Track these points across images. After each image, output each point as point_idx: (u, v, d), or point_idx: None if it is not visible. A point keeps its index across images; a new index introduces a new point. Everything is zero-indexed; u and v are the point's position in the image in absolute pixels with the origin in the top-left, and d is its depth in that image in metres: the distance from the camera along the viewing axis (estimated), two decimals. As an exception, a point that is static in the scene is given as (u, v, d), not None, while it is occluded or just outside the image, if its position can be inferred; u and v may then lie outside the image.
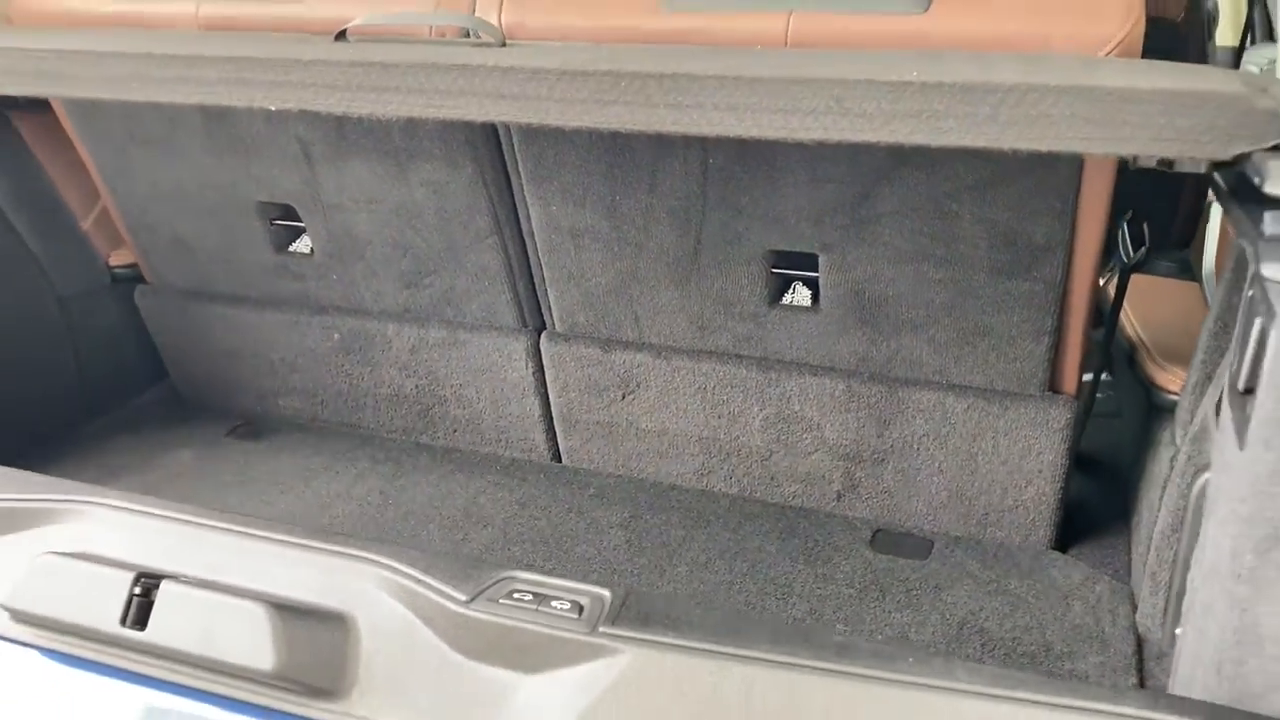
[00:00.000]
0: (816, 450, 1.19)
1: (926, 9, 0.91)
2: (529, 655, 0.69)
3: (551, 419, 1.31)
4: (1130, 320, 1.23)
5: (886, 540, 1.20)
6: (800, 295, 1.12)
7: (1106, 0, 0.87)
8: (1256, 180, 0.64)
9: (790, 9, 0.93)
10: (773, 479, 1.23)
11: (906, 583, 1.14)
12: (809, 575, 1.16)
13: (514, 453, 1.37)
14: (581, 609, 0.70)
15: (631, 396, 1.25)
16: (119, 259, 1.49)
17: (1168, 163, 0.73)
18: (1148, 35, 0.89)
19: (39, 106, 1.32)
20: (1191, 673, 0.69)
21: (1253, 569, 0.62)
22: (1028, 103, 0.69)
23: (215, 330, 1.43)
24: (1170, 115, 0.67)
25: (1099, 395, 1.27)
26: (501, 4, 1.04)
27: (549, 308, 1.23)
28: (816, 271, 1.08)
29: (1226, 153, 0.66)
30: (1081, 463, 1.29)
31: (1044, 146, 0.70)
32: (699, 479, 1.27)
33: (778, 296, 1.12)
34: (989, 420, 1.11)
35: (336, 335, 1.37)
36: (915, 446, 1.15)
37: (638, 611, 0.70)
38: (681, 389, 1.22)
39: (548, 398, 1.30)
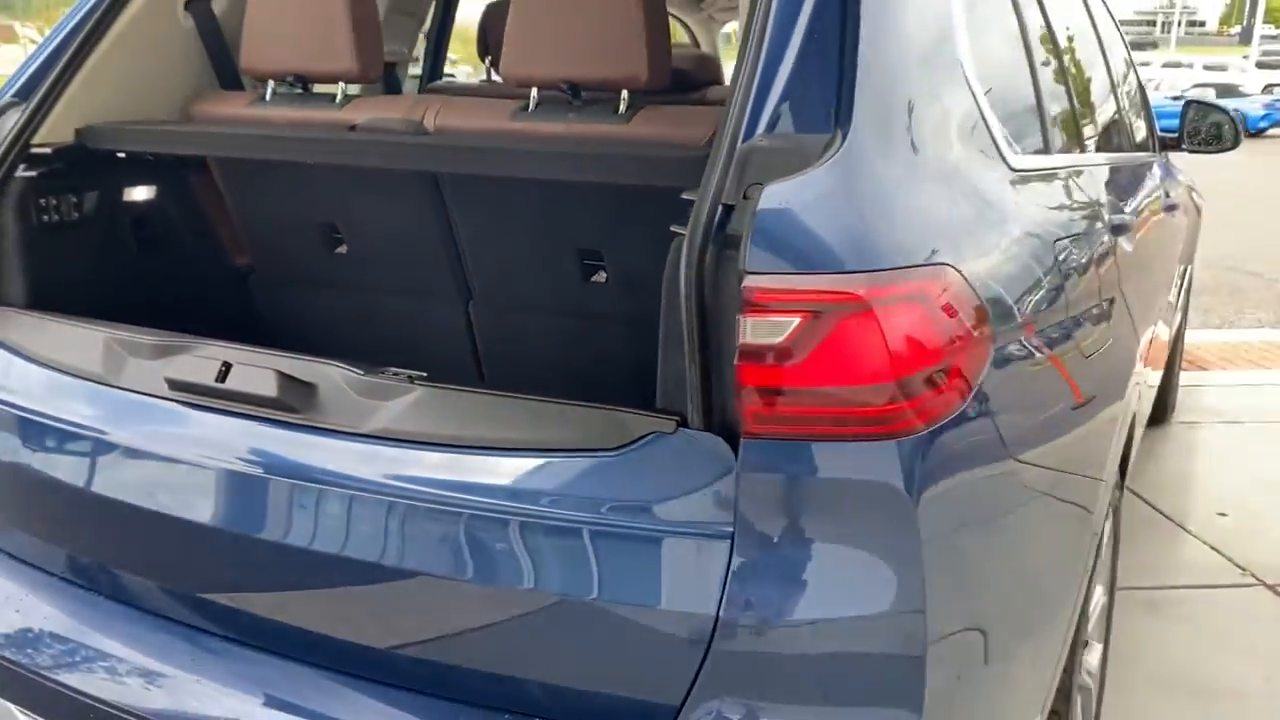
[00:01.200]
0: (616, 365, 2.01)
1: (629, 122, 1.78)
2: (386, 393, 1.53)
3: (478, 354, 2.18)
4: None
5: None
6: (599, 276, 1.97)
7: (707, 119, 1.72)
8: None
9: (569, 122, 1.82)
10: (594, 384, 2.05)
11: None
12: None
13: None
14: (411, 378, 1.55)
15: (521, 338, 2.12)
16: (240, 261, 2.45)
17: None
18: None
19: (201, 166, 2.29)
20: None
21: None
22: (618, 161, 1.55)
23: (293, 304, 2.36)
24: (680, 169, 1.50)
25: None
26: (435, 115, 1.96)
27: (473, 284, 2.11)
28: (604, 262, 1.93)
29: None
30: None
31: (624, 180, 1.55)
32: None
33: (588, 277, 1.98)
34: None
35: (359, 306, 2.28)
36: None
37: (434, 380, 1.55)
38: (547, 333, 2.08)
39: (475, 342, 2.17)
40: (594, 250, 1.92)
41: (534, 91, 1.86)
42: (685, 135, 1.69)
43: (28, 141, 1.93)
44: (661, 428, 1.35)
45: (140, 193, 2.20)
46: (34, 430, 1.73)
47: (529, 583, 1.37)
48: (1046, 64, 2.25)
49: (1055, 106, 2.24)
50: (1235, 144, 3.86)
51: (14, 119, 1.93)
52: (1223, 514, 3.96)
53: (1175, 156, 4.37)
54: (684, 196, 1.38)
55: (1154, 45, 61.34)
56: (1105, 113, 2.94)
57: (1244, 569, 3.53)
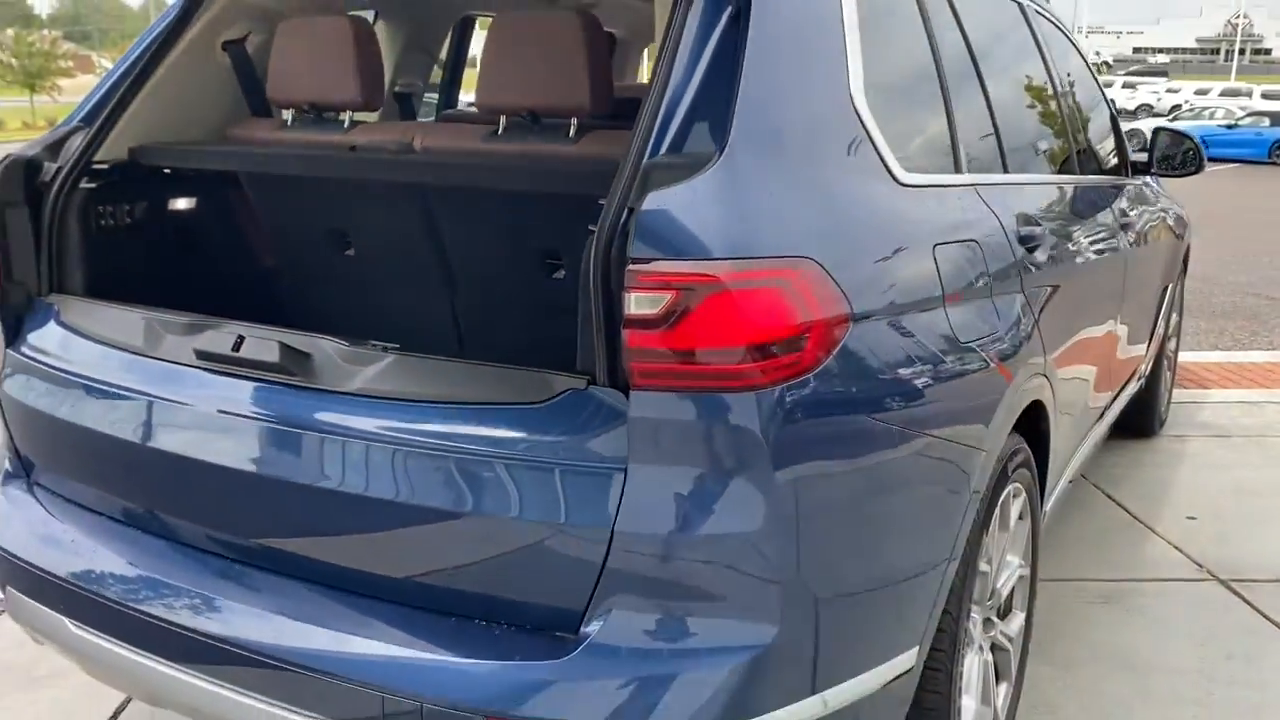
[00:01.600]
0: (572, 345, 2.35)
1: (577, 144, 2.13)
2: (365, 360, 1.87)
3: (461, 339, 2.55)
4: None
5: None
6: (559, 273, 2.32)
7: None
8: None
9: (528, 143, 2.17)
10: (554, 360, 2.39)
11: None
12: None
13: None
14: (385, 348, 1.91)
15: (497, 326, 2.48)
16: (266, 260, 2.84)
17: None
18: None
19: (234, 179, 2.68)
20: None
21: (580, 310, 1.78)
22: (562, 176, 1.90)
23: (310, 297, 2.75)
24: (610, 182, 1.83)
25: None
26: (422, 138, 2.33)
27: (458, 280, 2.47)
28: (562, 261, 2.28)
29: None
30: None
31: (567, 191, 1.90)
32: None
33: (551, 273, 2.33)
34: None
35: (365, 299, 2.66)
36: None
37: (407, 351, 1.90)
38: (518, 321, 2.43)
39: (460, 329, 2.54)
40: (554, 251, 2.27)
41: (502, 118, 2.23)
42: (622, 154, 2.04)
43: (90, 159, 2.34)
44: (575, 385, 1.69)
45: (183, 202, 2.60)
46: (89, 393, 2.12)
47: (467, 507, 1.72)
48: (969, 98, 2.57)
49: (973, 134, 2.55)
50: (1199, 168, 4.14)
51: (79, 140, 2.34)
52: (1192, 517, 4.18)
53: (1172, 183, 4.63)
54: (600, 202, 1.72)
55: (1163, 74, 60.73)
56: (1046, 140, 3.24)
57: (1201, 565, 3.77)
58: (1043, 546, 3.77)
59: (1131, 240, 3.74)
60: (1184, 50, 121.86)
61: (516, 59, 2.16)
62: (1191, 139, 4.18)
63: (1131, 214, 3.86)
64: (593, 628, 1.66)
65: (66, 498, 2.23)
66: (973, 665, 2.36)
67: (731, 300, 1.56)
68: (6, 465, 2.36)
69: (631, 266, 1.57)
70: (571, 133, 2.14)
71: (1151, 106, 42.90)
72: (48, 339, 2.24)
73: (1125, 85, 48.14)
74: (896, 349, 1.86)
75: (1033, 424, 2.58)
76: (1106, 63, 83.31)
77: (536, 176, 2.04)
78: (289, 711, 1.79)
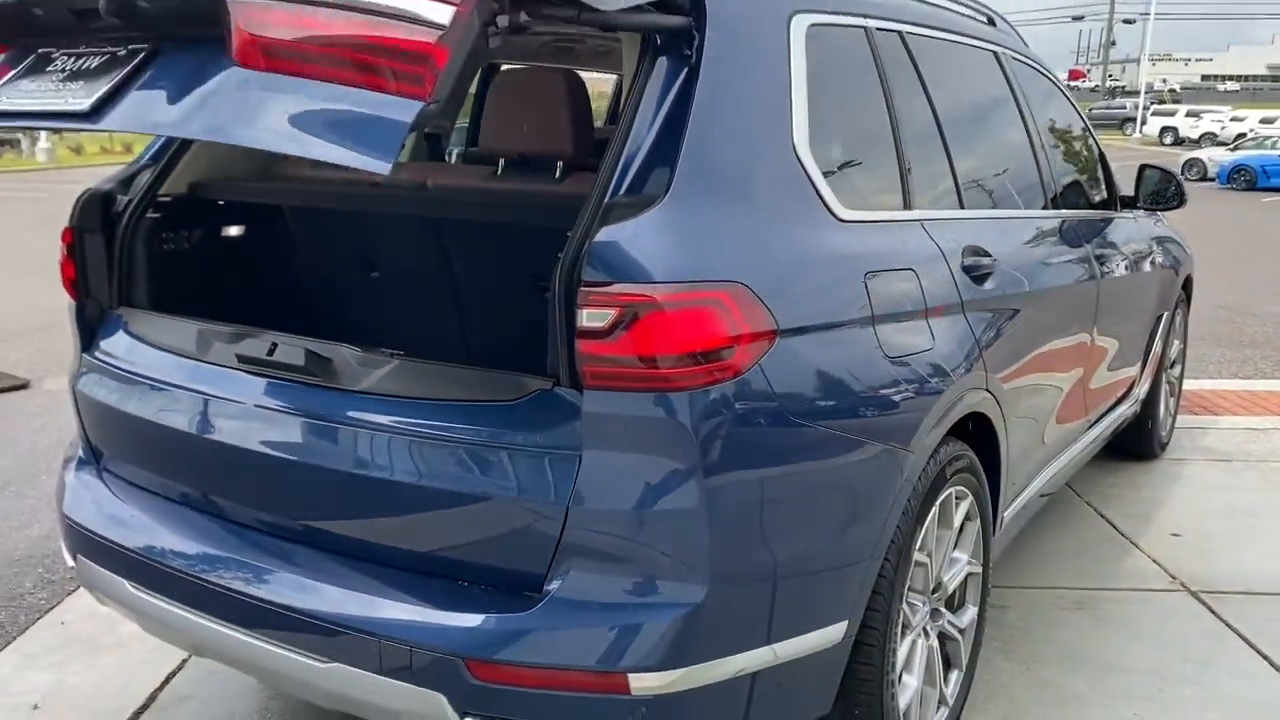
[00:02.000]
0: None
1: (562, 183, 2.48)
2: (375, 364, 2.22)
3: (466, 340, 2.91)
4: None
5: None
6: (548, 294, 2.67)
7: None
8: None
9: (521, 183, 2.53)
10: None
11: None
12: None
13: None
14: (391, 354, 2.25)
15: (501, 340, 2.83)
16: (305, 281, 3.23)
17: None
18: None
19: (278, 210, 3.08)
20: None
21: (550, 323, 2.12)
22: (548, 210, 2.27)
23: (341, 312, 3.13)
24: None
25: None
26: (434, 177, 2.70)
27: (466, 302, 2.84)
28: (548, 282, 2.63)
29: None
30: None
31: (552, 224, 2.25)
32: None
33: (542, 294, 2.67)
34: None
35: (387, 316, 3.04)
36: None
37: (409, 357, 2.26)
38: (518, 335, 2.78)
39: (466, 333, 2.90)
40: (543, 275, 2.63)
41: (500, 161, 2.60)
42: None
43: (156, 193, 2.75)
44: (543, 385, 2.04)
45: (234, 230, 3.00)
46: (150, 391, 2.51)
47: (453, 486, 2.06)
48: (924, 142, 2.86)
49: (926, 175, 2.84)
50: (1181, 203, 4.40)
51: (147, 177, 2.75)
52: (1176, 534, 4.38)
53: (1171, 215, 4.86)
54: (568, 234, 2.07)
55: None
56: (1013, 178, 3.52)
57: (1174, 577, 3.98)
58: (1025, 557, 4.06)
59: (1108, 270, 3.98)
60: (1255, 78, 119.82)
61: (512, 111, 2.53)
62: (1175, 175, 4.44)
63: (1111, 246, 4.10)
64: (553, 586, 2.00)
65: (129, 480, 2.62)
66: (917, 648, 2.64)
67: (667, 317, 1.90)
68: (79, 453, 2.77)
69: (584, 288, 1.92)
70: (557, 174, 2.50)
71: (1215, 135, 42.47)
72: (116, 345, 2.64)
73: (1189, 114, 47.68)
74: (823, 360, 2.18)
75: (982, 435, 2.86)
76: (1172, 90, 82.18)
77: (527, 211, 2.41)
78: (301, 655, 2.15)
